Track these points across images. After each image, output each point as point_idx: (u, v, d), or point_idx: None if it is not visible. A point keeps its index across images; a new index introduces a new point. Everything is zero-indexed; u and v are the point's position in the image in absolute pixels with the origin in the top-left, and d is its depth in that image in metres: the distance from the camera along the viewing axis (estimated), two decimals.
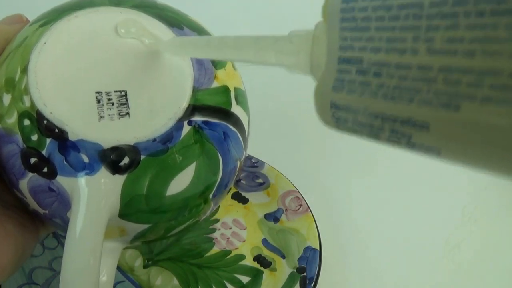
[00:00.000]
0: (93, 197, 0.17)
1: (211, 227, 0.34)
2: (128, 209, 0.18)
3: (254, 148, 0.37)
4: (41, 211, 0.18)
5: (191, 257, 0.31)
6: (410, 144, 0.10)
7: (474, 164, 0.09)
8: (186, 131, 0.18)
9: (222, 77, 0.20)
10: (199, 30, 0.21)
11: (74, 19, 0.18)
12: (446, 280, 0.34)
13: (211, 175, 0.20)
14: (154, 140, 0.17)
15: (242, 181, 0.36)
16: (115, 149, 0.17)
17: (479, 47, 0.08)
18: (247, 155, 0.23)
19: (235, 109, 0.20)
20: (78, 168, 0.17)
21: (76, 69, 0.18)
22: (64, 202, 0.18)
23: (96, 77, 0.18)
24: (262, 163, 0.36)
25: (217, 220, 0.34)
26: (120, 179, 0.17)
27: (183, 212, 0.19)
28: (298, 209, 0.34)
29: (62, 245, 0.30)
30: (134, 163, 0.17)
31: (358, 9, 0.11)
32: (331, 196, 0.38)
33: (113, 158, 0.17)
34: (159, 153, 0.18)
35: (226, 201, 0.35)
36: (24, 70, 0.18)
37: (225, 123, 0.20)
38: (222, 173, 0.20)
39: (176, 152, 0.18)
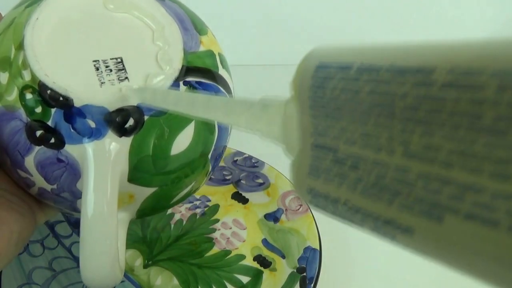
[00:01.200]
0: (102, 161, 0.17)
1: (211, 227, 0.34)
2: (137, 171, 0.18)
3: (254, 148, 0.37)
4: (48, 187, 0.19)
5: (191, 257, 0.31)
6: (394, 242, 0.09)
7: (463, 271, 0.08)
8: (183, 90, 0.19)
9: (207, 42, 0.21)
10: (178, 2, 0.22)
11: None
12: (447, 280, 0.34)
13: (208, 134, 0.20)
14: None
15: (242, 181, 0.36)
16: (120, 111, 0.17)
17: (457, 160, 0.07)
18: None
19: (222, 72, 0.21)
20: (85, 134, 0.17)
21: (70, 41, 0.18)
22: (73, 172, 0.18)
23: (91, 48, 0.18)
24: (262, 163, 0.36)
25: (217, 220, 0.34)
26: (127, 141, 0.18)
27: (187, 174, 0.20)
28: (298, 209, 0.34)
29: (63, 245, 0.30)
30: (139, 124, 0.18)
31: (328, 98, 0.10)
32: None
33: (119, 120, 0.17)
34: (161, 113, 0.18)
35: (226, 201, 0.35)
36: (19, 47, 0.18)
37: (216, 84, 0.21)
38: (218, 132, 0.21)
39: None
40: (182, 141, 0.19)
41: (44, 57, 0.18)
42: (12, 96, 0.18)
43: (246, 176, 0.36)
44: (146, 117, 0.18)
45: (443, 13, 0.58)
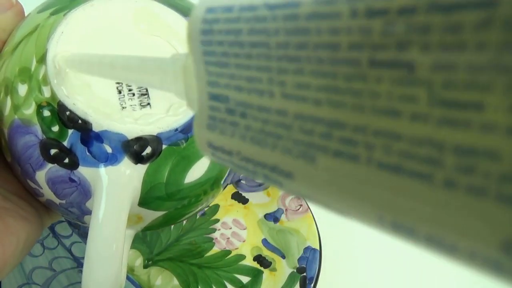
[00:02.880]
0: (116, 186, 0.17)
1: (211, 227, 0.34)
2: (148, 197, 0.18)
3: None
4: (57, 201, 0.18)
5: (191, 257, 0.31)
6: (283, 189, 0.09)
7: (339, 212, 0.08)
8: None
9: None
10: None
11: (89, 8, 0.18)
12: (446, 280, 0.34)
13: None
14: (176, 130, 0.18)
15: (242, 181, 0.36)
16: (138, 139, 0.17)
17: (324, 96, 0.07)
18: None
19: None
20: (101, 158, 0.17)
21: None
22: (84, 192, 0.18)
23: None
24: None
25: (217, 220, 0.34)
26: (142, 168, 0.17)
27: (198, 199, 0.20)
28: (298, 209, 0.34)
29: (63, 245, 0.30)
30: (156, 153, 0.17)
31: (215, 42, 0.10)
32: None
33: (136, 149, 0.17)
34: (180, 143, 0.18)
35: (226, 201, 0.35)
36: (41, 60, 0.17)
37: None
38: None
39: (195, 141, 0.19)
40: (198, 171, 0.19)
41: (66, 75, 0.17)
42: (29, 111, 0.17)
43: (246, 176, 0.36)
44: (164, 146, 0.18)
45: None
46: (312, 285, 0.29)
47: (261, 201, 0.35)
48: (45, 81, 0.17)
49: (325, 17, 0.07)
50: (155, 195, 0.18)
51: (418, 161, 0.06)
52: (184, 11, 0.20)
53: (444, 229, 0.06)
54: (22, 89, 0.18)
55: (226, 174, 0.21)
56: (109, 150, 0.17)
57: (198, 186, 0.19)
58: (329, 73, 0.07)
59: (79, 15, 0.18)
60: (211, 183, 0.20)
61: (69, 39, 0.18)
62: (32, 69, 0.18)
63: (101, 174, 0.17)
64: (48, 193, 0.18)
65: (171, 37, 0.19)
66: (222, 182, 0.21)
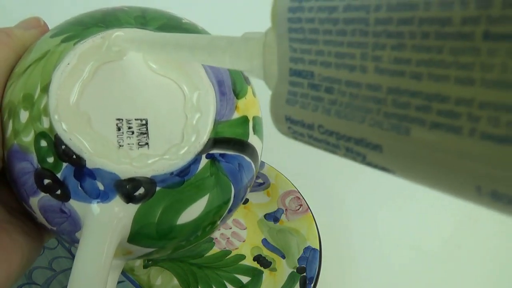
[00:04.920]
0: (105, 224, 0.17)
1: None
2: (138, 235, 0.18)
3: None
4: (49, 227, 0.18)
5: (191, 257, 0.31)
6: (365, 162, 0.10)
7: (428, 185, 0.09)
8: (203, 164, 0.18)
9: (243, 107, 0.20)
10: None
11: (99, 40, 0.18)
12: (446, 280, 0.34)
13: (222, 204, 0.19)
14: (172, 173, 0.17)
15: None
16: (131, 180, 0.17)
17: (426, 70, 0.08)
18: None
19: (252, 139, 0.20)
20: (92, 195, 0.17)
21: (98, 94, 0.17)
22: (74, 224, 0.18)
23: (118, 104, 0.17)
24: (262, 163, 0.36)
25: None
26: (133, 208, 0.17)
27: (190, 237, 0.20)
28: (298, 209, 0.34)
29: (63, 245, 0.30)
30: (149, 194, 0.17)
31: (305, 20, 0.10)
32: (331, 196, 0.38)
33: (129, 189, 0.17)
34: (175, 185, 0.18)
35: None
36: (44, 89, 0.17)
37: (242, 155, 0.20)
38: (233, 201, 0.20)
39: (191, 184, 0.18)
40: (192, 213, 0.18)
41: (66, 109, 0.17)
42: (28, 138, 0.17)
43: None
44: (158, 188, 0.17)
45: None
46: (312, 285, 0.29)
47: (261, 201, 0.35)
48: (46, 111, 0.17)
49: None
50: (145, 233, 0.18)
51: None
52: None
53: None
54: (24, 116, 0.18)
55: (224, 215, 0.20)
56: (101, 187, 0.17)
57: (191, 227, 0.19)
58: (434, 47, 0.07)
59: (87, 46, 0.18)
60: (205, 224, 0.19)
61: (74, 72, 0.17)
62: (36, 97, 0.17)
63: (92, 210, 0.17)
64: (40, 218, 0.18)
65: (181, 78, 0.18)
66: (218, 222, 0.20)
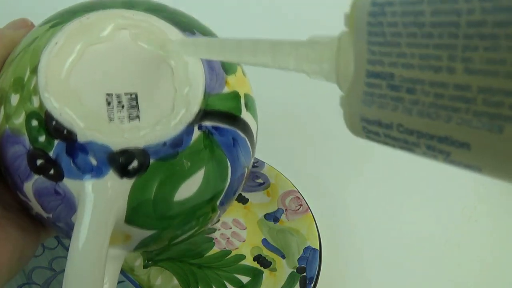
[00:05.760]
0: (99, 201, 0.16)
1: (211, 227, 0.34)
2: (135, 214, 0.18)
3: None
4: (44, 214, 0.18)
5: (191, 257, 0.31)
6: (448, 160, 0.10)
7: None
8: (196, 136, 0.18)
9: (233, 83, 0.20)
10: (210, 35, 0.21)
11: (86, 20, 0.18)
12: (446, 280, 0.34)
13: (219, 182, 0.19)
14: (164, 144, 0.17)
15: None
16: (124, 152, 0.17)
17: None
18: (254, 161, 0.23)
19: (245, 115, 0.20)
20: (85, 170, 0.17)
21: (87, 71, 0.17)
22: (69, 206, 0.17)
23: (106, 79, 0.17)
24: (262, 163, 0.36)
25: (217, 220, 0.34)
26: (128, 183, 0.17)
27: (190, 220, 0.19)
28: (298, 209, 0.34)
29: (62, 245, 0.30)
30: (143, 167, 0.17)
31: (387, 24, 0.10)
32: (331, 196, 0.38)
33: (122, 162, 0.17)
34: (169, 158, 0.17)
35: None
36: (34, 71, 0.17)
37: (235, 129, 0.20)
38: (230, 180, 0.20)
39: (186, 157, 0.18)
40: (188, 188, 0.18)
41: (55, 85, 0.17)
42: (19, 120, 0.17)
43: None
44: (151, 161, 0.17)
45: None
46: (312, 285, 0.29)
47: (261, 201, 0.35)
48: (35, 91, 0.17)
49: None
50: (142, 212, 0.18)
51: None
52: (184, 27, 0.19)
53: None
54: (14, 99, 0.18)
55: (222, 196, 0.20)
56: (94, 162, 0.17)
57: (189, 206, 0.18)
58: None
59: (75, 27, 0.18)
60: (204, 204, 0.19)
61: (62, 50, 0.17)
62: (25, 79, 0.18)
63: (86, 187, 0.17)
64: (36, 206, 0.18)
65: (168, 55, 0.18)
66: (218, 203, 0.20)
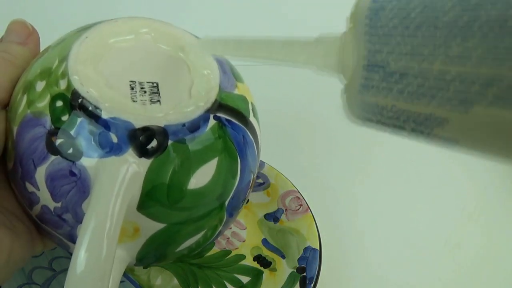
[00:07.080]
0: (117, 178, 0.17)
1: None
2: (148, 199, 0.18)
3: None
4: (52, 205, 0.18)
5: (191, 257, 0.31)
6: (431, 135, 0.12)
7: (487, 151, 0.11)
8: (211, 124, 0.19)
9: (242, 89, 0.22)
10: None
11: (115, 22, 0.20)
12: (446, 280, 0.34)
13: (230, 177, 0.20)
14: (184, 125, 0.18)
15: None
16: (145, 129, 0.17)
17: (487, 59, 0.10)
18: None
19: (252, 119, 0.21)
20: (105, 147, 0.17)
21: (113, 61, 0.19)
22: (83, 189, 0.17)
23: (130, 69, 0.19)
24: (262, 163, 0.36)
25: None
26: (145, 163, 0.17)
27: (200, 213, 0.19)
28: (298, 209, 0.34)
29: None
30: (161, 147, 0.17)
31: (386, 19, 0.12)
32: (331, 196, 0.38)
33: (142, 140, 0.17)
34: (186, 141, 0.18)
35: None
36: (63, 60, 0.19)
37: (245, 128, 0.21)
38: (239, 179, 0.20)
39: (201, 143, 0.18)
40: (202, 176, 0.19)
41: (83, 69, 0.18)
42: (43, 103, 0.18)
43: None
44: (170, 142, 0.18)
45: None
46: (312, 285, 0.29)
47: (261, 201, 0.35)
48: (64, 74, 0.18)
49: None
50: (155, 197, 0.18)
51: None
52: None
53: None
54: (40, 85, 0.18)
55: (231, 196, 0.20)
56: (114, 139, 0.17)
57: (201, 196, 0.19)
58: (497, 40, 0.10)
59: (104, 26, 0.20)
60: (214, 198, 0.19)
61: (92, 43, 0.19)
62: (53, 67, 0.19)
63: (104, 164, 0.17)
64: (44, 196, 0.18)
65: (187, 56, 0.21)
66: (226, 203, 0.20)
